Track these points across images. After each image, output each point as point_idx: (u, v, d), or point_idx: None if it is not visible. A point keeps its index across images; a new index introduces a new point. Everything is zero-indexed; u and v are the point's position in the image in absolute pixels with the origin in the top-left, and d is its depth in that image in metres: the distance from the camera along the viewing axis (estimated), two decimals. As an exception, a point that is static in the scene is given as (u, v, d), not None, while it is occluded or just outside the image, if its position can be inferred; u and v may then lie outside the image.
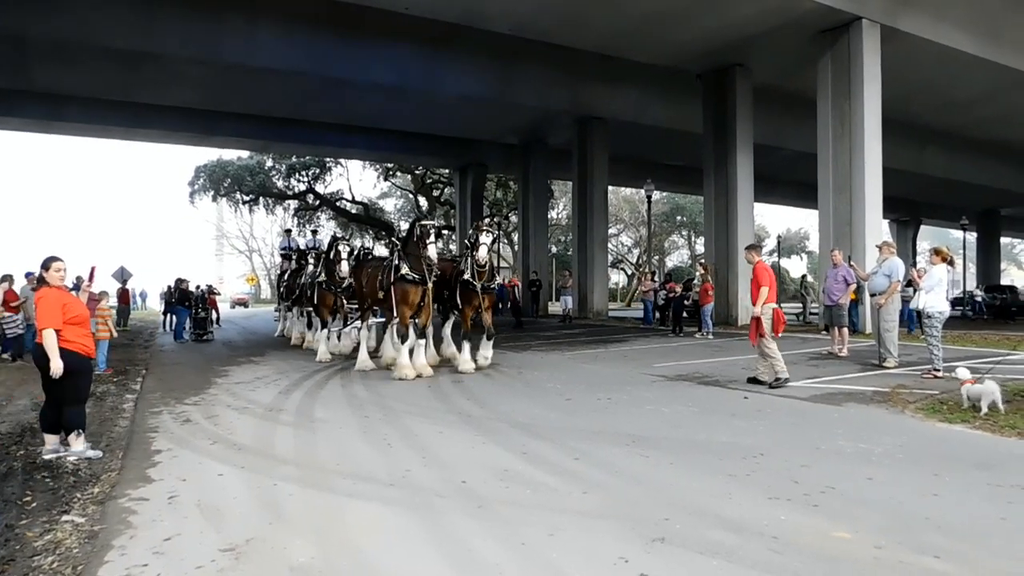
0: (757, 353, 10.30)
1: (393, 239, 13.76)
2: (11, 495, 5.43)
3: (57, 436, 6.57)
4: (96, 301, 12.44)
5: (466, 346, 12.48)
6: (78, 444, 6.50)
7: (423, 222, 11.66)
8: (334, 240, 15.53)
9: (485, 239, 12.06)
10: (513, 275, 28.16)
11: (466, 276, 12.44)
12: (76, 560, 4.16)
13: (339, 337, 15.92)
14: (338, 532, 4.53)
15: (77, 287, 10.41)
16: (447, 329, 14.17)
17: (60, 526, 4.70)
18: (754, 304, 10.03)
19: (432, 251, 11.41)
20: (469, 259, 12.44)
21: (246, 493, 5.38)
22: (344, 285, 14.76)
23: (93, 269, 9.99)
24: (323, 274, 15.36)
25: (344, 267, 14.10)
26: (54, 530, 4.62)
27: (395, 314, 12.36)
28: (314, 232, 22.07)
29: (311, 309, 17.14)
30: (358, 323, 14.71)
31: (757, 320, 9.98)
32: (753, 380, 10.19)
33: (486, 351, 12.76)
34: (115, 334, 13.63)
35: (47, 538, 4.49)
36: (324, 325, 15.39)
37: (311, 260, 17.44)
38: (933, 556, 3.92)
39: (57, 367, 6.21)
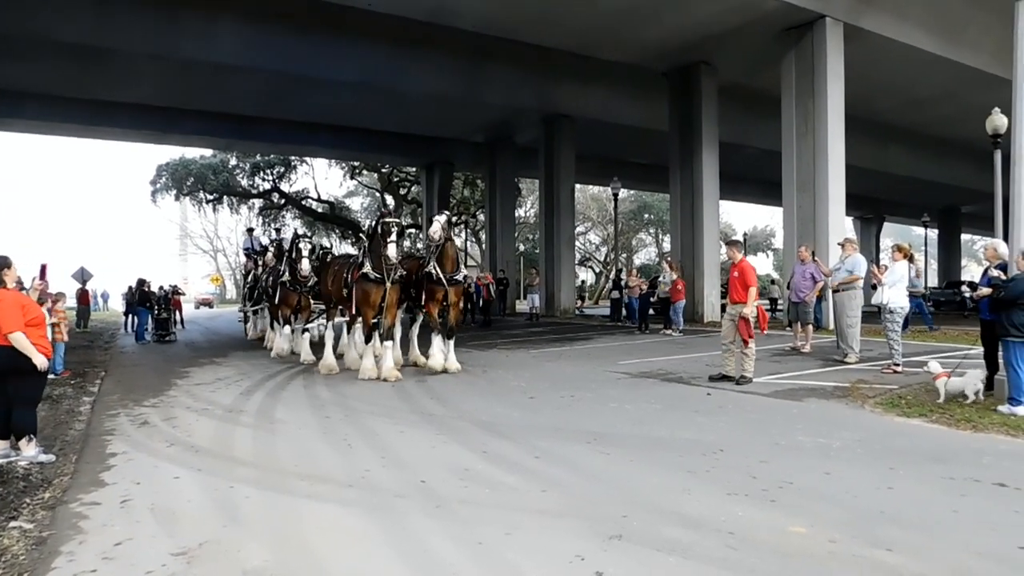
0: (723, 350, 10.27)
1: (360, 235, 12.87)
2: (-42, 501, 5.30)
3: (7, 441, 6.42)
4: (55, 302, 12.23)
5: (436, 342, 12.15)
6: (30, 449, 6.36)
7: (385, 219, 11.18)
8: (295, 238, 14.95)
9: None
10: (487, 272, 27.95)
11: (428, 268, 11.88)
12: (22, 567, 4.08)
13: (302, 333, 14.98)
14: (294, 534, 4.48)
15: (24, 287, 10.15)
16: (414, 331, 13.54)
17: (7, 532, 4.60)
18: (744, 303, 9.90)
19: (392, 250, 10.88)
20: (431, 254, 12.00)
21: (202, 496, 5.30)
22: (309, 284, 14.36)
23: (44, 267, 9.81)
24: (286, 272, 14.89)
25: (305, 265, 13.64)
26: (1, 536, 4.52)
27: (358, 315, 12.11)
28: (277, 231, 21.74)
29: (270, 307, 16.77)
30: (321, 321, 14.56)
31: (746, 320, 9.95)
32: (720, 377, 10.18)
33: (450, 347, 12.12)
34: (66, 338, 13.29)
35: (-7, 545, 4.37)
36: (286, 323, 15.15)
37: (271, 258, 17.13)
38: (886, 549, 3.97)
39: (42, 362, 6.18)
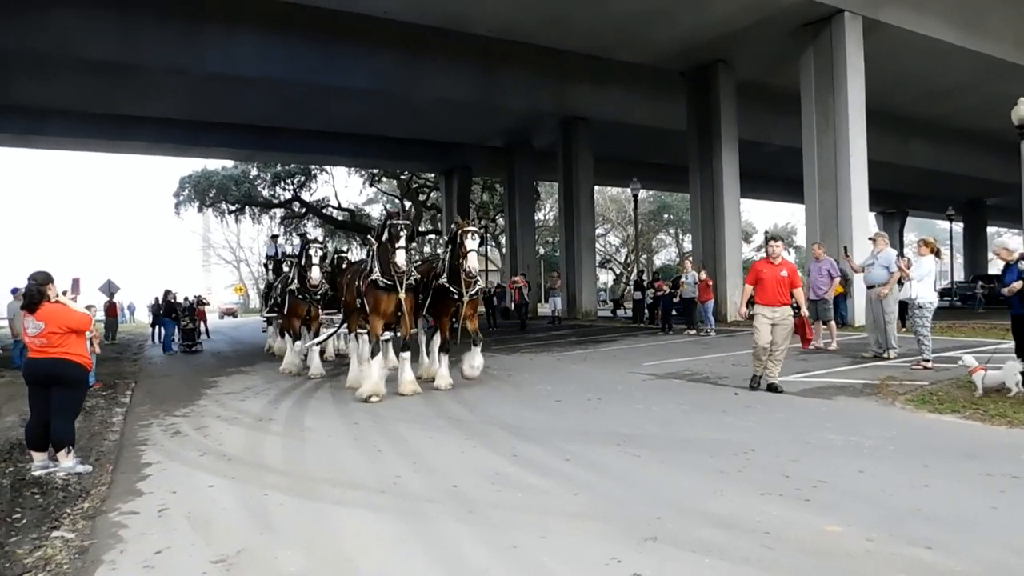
0: (766, 357, 9.26)
1: (370, 237, 11.53)
2: (0, 512, 5.40)
3: (45, 452, 6.52)
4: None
5: (444, 359, 10.93)
6: (68, 460, 6.44)
7: (393, 221, 9.83)
8: (306, 243, 13.73)
9: (471, 243, 10.26)
10: (520, 275, 27.86)
11: (443, 281, 10.68)
12: (67, 575, 4.15)
13: (319, 352, 13.60)
14: (328, 541, 4.51)
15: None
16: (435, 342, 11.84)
17: (50, 542, 4.67)
18: (788, 304, 9.16)
19: (401, 257, 9.59)
20: (446, 260, 10.84)
21: (236, 504, 5.35)
22: (320, 292, 13.33)
23: (76, 281, 9.95)
24: (295, 280, 13.90)
25: (315, 272, 12.64)
26: (44, 546, 4.59)
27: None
28: (302, 236, 21.23)
29: (279, 319, 15.70)
30: (330, 333, 13.42)
31: (804, 321, 9.63)
32: (772, 388, 9.25)
33: (473, 359, 10.88)
34: (98, 350, 13.50)
35: (37, 555, 4.46)
36: (296, 337, 13.96)
37: (285, 266, 16.02)
38: (924, 547, 3.93)
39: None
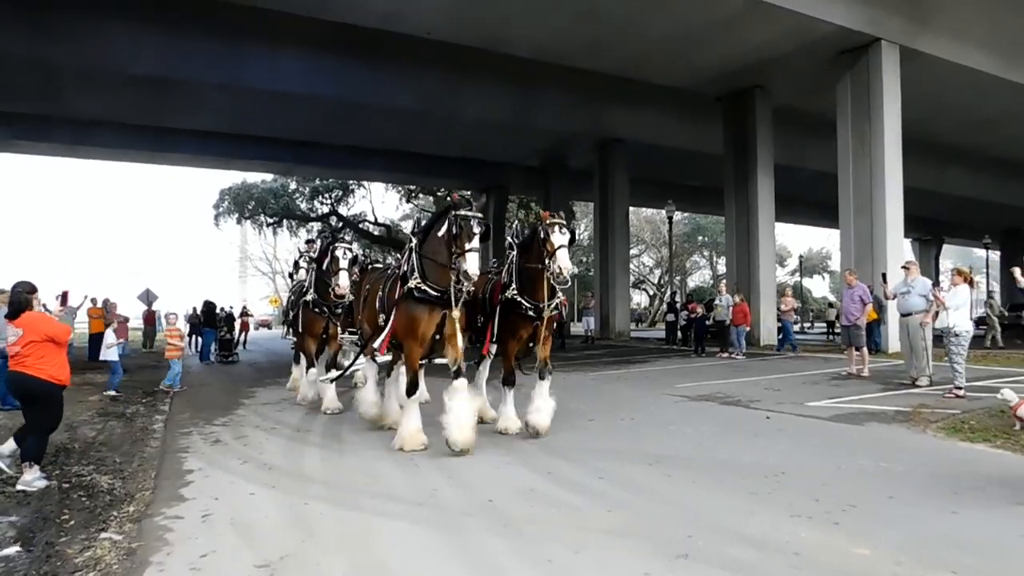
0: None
1: (411, 232, 8.30)
2: (49, 513, 5.61)
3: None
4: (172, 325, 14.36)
5: (509, 396, 8.57)
6: (29, 474, 6.31)
7: (460, 211, 7.19)
8: (330, 242, 10.59)
9: (561, 238, 7.71)
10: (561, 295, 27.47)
11: (512, 293, 8.16)
12: (116, 575, 4.33)
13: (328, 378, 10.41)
14: (368, 550, 4.65)
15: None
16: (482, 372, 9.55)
17: (99, 543, 4.85)
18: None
19: (472, 262, 6.99)
20: (513, 268, 8.32)
21: (278, 512, 5.51)
22: (344, 305, 10.41)
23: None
24: (311, 289, 11.08)
25: (343, 279, 9.74)
26: (93, 547, 4.78)
27: (401, 352, 8.42)
28: (322, 234, 18.07)
29: (295, 339, 12.79)
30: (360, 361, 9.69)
31: None
32: None
33: (542, 403, 8.18)
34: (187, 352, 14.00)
35: (87, 555, 4.64)
36: (311, 363, 11.28)
37: (301, 270, 12.85)
38: (951, 573, 3.99)
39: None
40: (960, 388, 10.27)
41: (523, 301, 8.06)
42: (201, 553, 4.58)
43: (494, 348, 8.69)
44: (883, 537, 4.58)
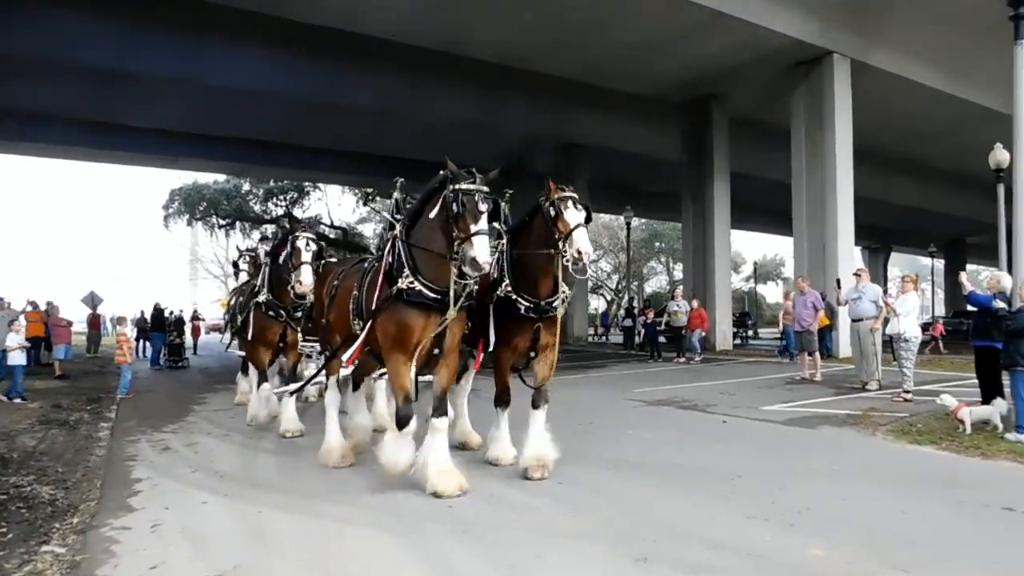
0: None
1: (394, 217, 6.75)
2: (-15, 527, 5.37)
3: None
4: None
5: (503, 418, 7.13)
6: None
7: (461, 186, 5.63)
8: (289, 229, 8.97)
9: (575, 216, 6.17)
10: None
11: (506, 290, 6.52)
12: (59, 591, 4.16)
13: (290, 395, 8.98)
14: (325, 558, 4.56)
15: None
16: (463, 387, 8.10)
17: (40, 556, 4.65)
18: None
19: (481, 247, 5.41)
20: (503, 259, 6.74)
21: (231, 520, 5.38)
22: (303, 307, 8.89)
23: None
24: (264, 287, 9.25)
25: (307, 275, 8.13)
26: (33, 561, 4.58)
27: (384, 366, 6.86)
28: (278, 220, 15.32)
29: (243, 348, 11.01)
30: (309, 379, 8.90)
31: None
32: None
33: (539, 442, 6.61)
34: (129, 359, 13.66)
35: (27, 569, 4.45)
36: (263, 376, 9.60)
37: (244, 265, 11.67)
38: (902, 571, 4.10)
39: None
40: (908, 392, 10.51)
41: (519, 299, 6.43)
42: (151, 565, 4.44)
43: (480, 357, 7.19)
44: (837, 537, 4.66)
